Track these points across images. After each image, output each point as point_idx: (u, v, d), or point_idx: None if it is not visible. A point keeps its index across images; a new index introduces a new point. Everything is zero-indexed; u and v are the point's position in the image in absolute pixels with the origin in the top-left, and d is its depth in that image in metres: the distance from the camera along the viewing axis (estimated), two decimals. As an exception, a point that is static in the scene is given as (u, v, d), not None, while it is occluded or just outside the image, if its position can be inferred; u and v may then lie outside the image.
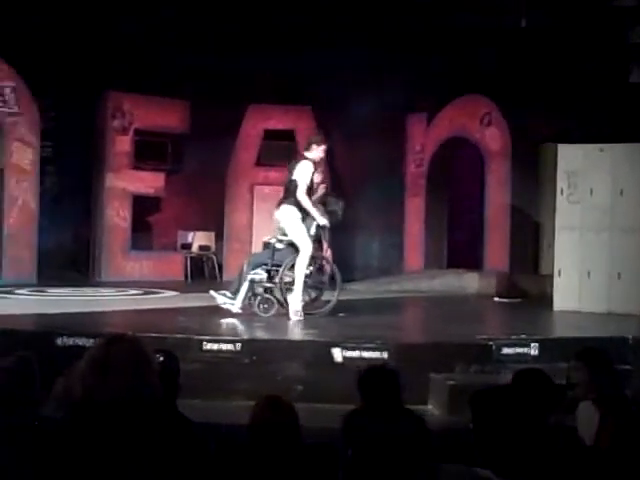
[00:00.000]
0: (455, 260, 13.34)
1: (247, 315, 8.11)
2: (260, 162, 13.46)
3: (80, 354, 2.59)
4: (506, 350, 6.93)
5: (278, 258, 8.25)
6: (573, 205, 9.63)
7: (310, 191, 8.23)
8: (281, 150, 13.47)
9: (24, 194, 11.51)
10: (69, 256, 13.31)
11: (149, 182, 13.03)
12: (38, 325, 7.71)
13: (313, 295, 8.54)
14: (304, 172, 8.14)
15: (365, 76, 12.59)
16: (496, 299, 11.09)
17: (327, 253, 8.73)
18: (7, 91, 11.34)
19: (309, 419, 3.40)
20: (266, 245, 8.67)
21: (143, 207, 13.12)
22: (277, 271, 8.22)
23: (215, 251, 13.48)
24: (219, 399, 6.31)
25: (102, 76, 12.36)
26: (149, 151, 12.94)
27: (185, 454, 2.56)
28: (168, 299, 10.26)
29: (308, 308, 8.34)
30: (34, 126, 11.62)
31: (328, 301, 8.49)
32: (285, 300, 8.21)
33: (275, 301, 8.26)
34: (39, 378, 3.64)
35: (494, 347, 6.91)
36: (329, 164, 13.52)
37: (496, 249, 12.95)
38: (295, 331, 7.84)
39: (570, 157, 9.70)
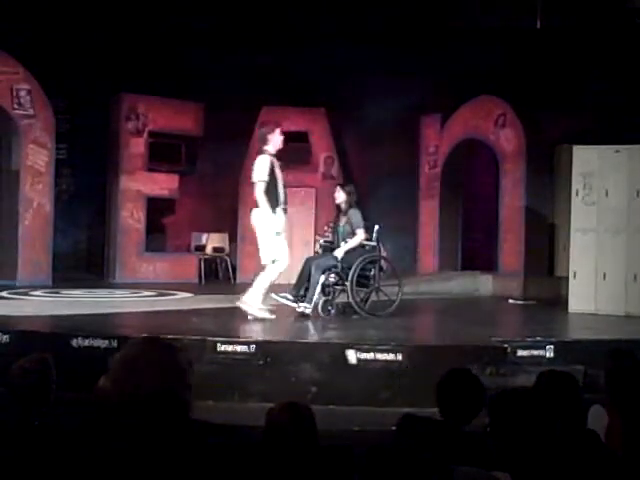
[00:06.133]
0: (469, 262, 13.29)
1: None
2: (274, 164, 13.43)
3: (95, 355, 2.59)
4: (521, 352, 6.91)
5: (347, 261, 8.44)
6: (588, 207, 9.59)
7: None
8: (295, 152, 13.49)
9: (39, 196, 11.55)
10: (84, 258, 13.37)
11: (163, 184, 13.04)
12: (53, 326, 7.72)
13: (376, 296, 8.69)
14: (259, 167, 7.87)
15: (379, 77, 12.58)
16: (511, 301, 11.04)
17: (385, 253, 8.90)
18: (22, 93, 11.39)
19: (323, 421, 3.39)
20: (325, 248, 8.85)
21: (157, 209, 13.14)
22: (347, 274, 8.41)
23: (229, 253, 13.48)
24: (233, 400, 6.32)
25: (116, 78, 12.41)
26: (163, 153, 12.96)
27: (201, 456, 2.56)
28: (182, 301, 10.27)
29: (374, 309, 8.58)
30: (49, 128, 11.66)
31: (392, 301, 8.61)
32: (356, 302, 8.44)
33: (335, 303, 8.51)
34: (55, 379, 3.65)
35: (509, 349, 6.89)
36: (343, 165, 13.58)
37: (511, 251, 12.88)
38: (309, 333, 7.84)
39: (585, 158, 9.65)
